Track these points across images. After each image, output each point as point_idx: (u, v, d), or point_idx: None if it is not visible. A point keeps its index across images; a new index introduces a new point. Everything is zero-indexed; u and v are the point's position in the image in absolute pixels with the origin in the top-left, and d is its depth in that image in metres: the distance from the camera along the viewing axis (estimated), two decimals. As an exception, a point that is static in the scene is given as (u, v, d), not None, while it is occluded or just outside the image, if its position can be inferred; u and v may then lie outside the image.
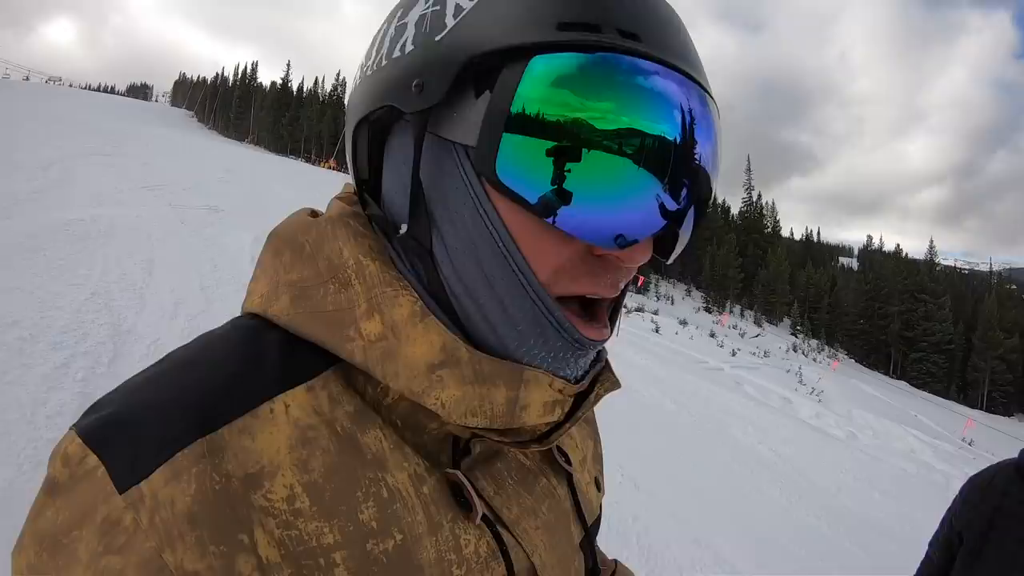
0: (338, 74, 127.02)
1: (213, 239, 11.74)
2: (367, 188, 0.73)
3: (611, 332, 0.72)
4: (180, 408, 0.57)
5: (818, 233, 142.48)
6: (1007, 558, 2.30)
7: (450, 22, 0.63)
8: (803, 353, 64.05)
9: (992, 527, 2.37)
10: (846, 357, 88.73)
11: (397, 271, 0.68)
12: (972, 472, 2.71)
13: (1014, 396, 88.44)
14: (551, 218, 0.60)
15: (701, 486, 7.79)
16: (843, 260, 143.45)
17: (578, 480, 0.86)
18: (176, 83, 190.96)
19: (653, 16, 0.62)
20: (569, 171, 0.58)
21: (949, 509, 2.63)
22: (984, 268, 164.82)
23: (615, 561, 1.13)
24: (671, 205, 0.62)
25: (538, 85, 0.58)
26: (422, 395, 0.63)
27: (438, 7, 0.65)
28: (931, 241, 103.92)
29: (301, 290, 0.67)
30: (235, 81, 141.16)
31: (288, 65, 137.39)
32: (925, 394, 68.62)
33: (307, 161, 78.50)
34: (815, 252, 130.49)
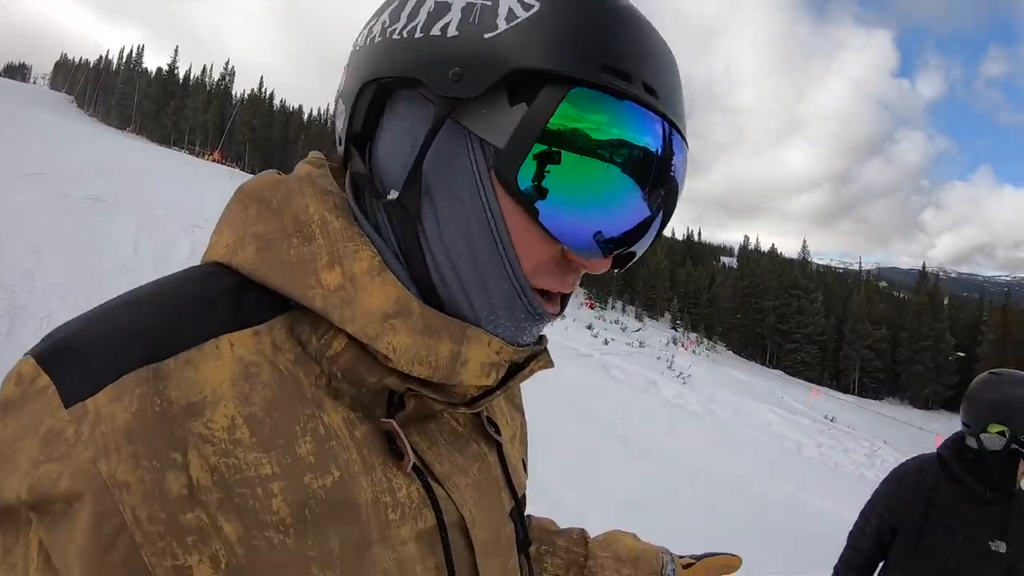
0: (227, 63, 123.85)
1: (97, 228, 12.07)
2: (353, 141, 0.76)
3: (561, 311, 0.79)
4: (131, 337, 0.60)
5: (699, 233, 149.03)
6: (942, 544, 2.58)
7: (502, 24, 0.65)
8: (682, 346, 66.23)
9: (927, 520, 2.63)
10: (724, 349, 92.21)
11: (359, 228, 0.71)
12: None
13: (884, 381, 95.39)
14: (546, 221, 0.66)
15: (557, 450, 8.53)
16: (725, 260, 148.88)
17: (508, 453, 0.90)
18: (57, 64, 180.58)
19: (669, 78, 0.69)
20: (581, 190, 0.65)
21: (872, 503, 2.89)
22: (861, 268, 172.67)
23: (528, 516, 1.21)
24: (645, 211, 0.70)
25: (573, 113, 0.63)
26: (376, 339, 0.66)
27: (490, 2, 0.66)
28: (804, 241, 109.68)
29: (267, 241, 0.69)
30: (119, 65, 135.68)
31: (176, 51, 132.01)
32: (800, 381, 72.35)
33: (191, 153, 75.18)
34: (696, 251, 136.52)
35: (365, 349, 0.68)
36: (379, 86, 0.71)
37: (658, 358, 36.71)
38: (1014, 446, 2.52)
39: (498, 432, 0.88)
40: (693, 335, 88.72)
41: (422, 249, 0.71)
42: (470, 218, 0.68)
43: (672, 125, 0.69)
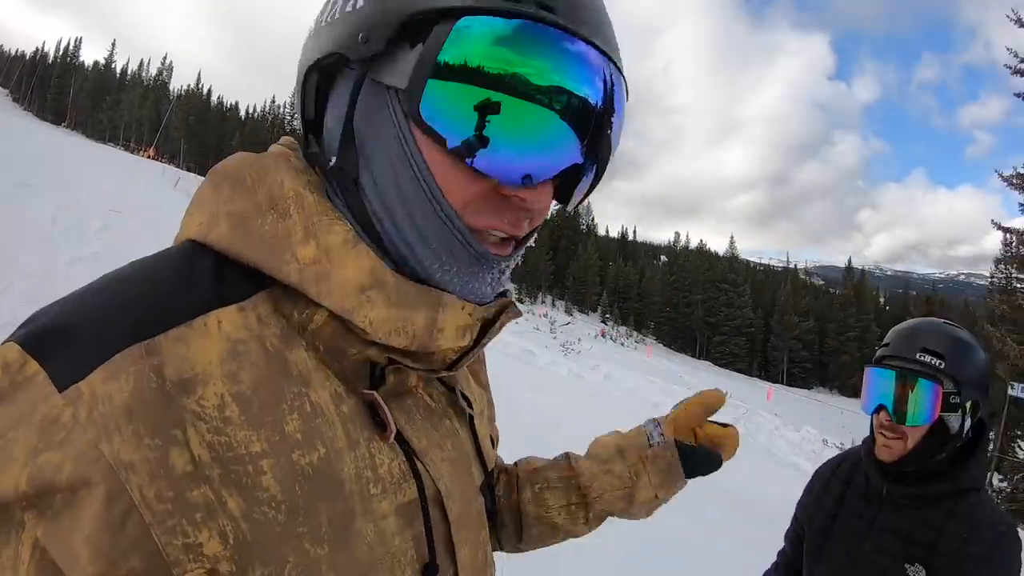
0: (164, 57, 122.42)
1: (19, 207, 12.65)
2: (310, 128, 0.79)
3: (513, 256, 0.77)
4: (117, 316, 0.59)
5: (634, 231, 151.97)
6: (847, 554, 2.08)
7: None
8: (611, 339, 67.92)
9: (835, 521, 2.16)
10: (655, 342, 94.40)
11: (333, 204, 0.73)
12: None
13: (812, 371, 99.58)
14: (470, 159, 0.66)
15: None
16: (664, 258, 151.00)
17: (479, 428, 0.93)
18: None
19: None
20: (487, 120, 0.64)
21: (799, 501, 2.39)
22: (795, 266, 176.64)
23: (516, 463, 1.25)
24: (575, 154, 0.69)
25: (463, 41, 0.63)
26: (353, 312, 0.66)
27: None
28: (732, 237, 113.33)
29: (241, 219, 0.69)
30: (55, 59, 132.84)
31: (113, 44, 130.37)
32: (728, 371, 74.60)
33: (126, 149, 74.38)
34: (630, 249, 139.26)
35: (344, 322, 0.69)
36: (320, 71, 0.75)
37: (554, 337, 36.81)
38: None
39: (470, 405, 0.92)
40: (622, 328, 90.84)
41: (366, 208, 0.73)
42: (394, 161, 0.70)
43: (591, 44, 0.67)
